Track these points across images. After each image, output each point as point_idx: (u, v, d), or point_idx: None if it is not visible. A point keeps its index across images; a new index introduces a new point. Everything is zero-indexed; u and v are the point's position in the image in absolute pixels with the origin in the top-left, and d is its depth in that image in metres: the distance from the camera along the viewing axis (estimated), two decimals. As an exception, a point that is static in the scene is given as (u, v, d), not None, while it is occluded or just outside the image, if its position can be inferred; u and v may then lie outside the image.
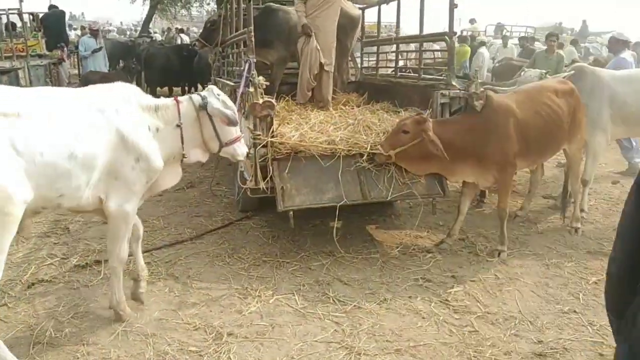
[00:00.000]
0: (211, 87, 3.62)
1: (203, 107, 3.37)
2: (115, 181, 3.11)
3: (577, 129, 4.91)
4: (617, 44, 7.29)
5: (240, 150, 3.64)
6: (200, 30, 8.34)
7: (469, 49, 12.63)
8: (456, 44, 12.52)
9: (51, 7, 13.51)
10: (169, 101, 3.39)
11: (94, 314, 3.56)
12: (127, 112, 3.13)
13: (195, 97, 3.42)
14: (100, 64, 11.84)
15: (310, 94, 5.85)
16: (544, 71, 5.56)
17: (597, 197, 6.31)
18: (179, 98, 3.43)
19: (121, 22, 37.22)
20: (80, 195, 2.97)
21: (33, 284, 3.96)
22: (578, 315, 3.65)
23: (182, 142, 3.35)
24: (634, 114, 5.17)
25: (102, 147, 2.97)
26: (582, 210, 5.38)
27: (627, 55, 7.08)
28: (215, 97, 3.43)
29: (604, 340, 3.34)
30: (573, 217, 5.20)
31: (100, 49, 11.81)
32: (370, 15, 7.32)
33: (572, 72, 5.28)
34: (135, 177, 3.15)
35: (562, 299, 3.88)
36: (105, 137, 3.00)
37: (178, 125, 3.33)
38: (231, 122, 3.42)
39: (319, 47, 5.63)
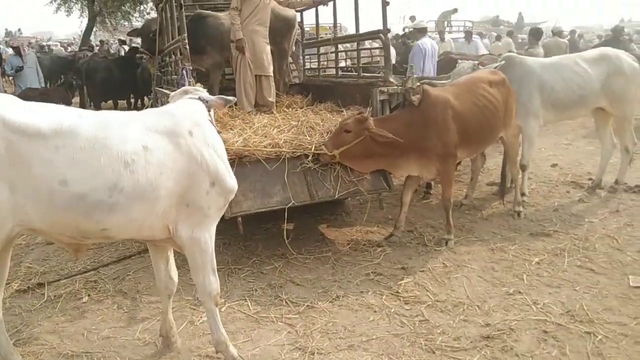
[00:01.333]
0: (190, 87, 3.38)
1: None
2: (186, 208, 2.77)
3: (510, 117, 5.10)
4: (416, 32, 8.43)
5: None
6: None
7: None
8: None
9: (-25, 24, 12.94)
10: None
11: (37, 339, 3.42)
12: (201, 133, 2.80)
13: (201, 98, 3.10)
14: (30, 81, 11.27)
15: (253, 103, 5.82)
16: (476, 62, 5.74)
17: (537, 180, 6.56)
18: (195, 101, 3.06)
19: (50, 38, 35.77)
20: (137, 226, 2.66)
21: (-29, 314, 3.77)
22: (523, 296, 3.79)
23: None
24: (562, 99, 5.41)
25: (167, 176, 2.63)
26: (523, 194, 5.58)
27: (424, 40, 7.93)
28: (202, 91, 3.20)
29: (547, 318, 3.49)
30: (515, 202, 5.39)
31: (22, 67, 11.25)
32: (311, 17, 7.37)
33: (503, 62, 5.48)
34: (210, 201, 2.81)
35: (508, 282, 4.02)
36: (173, 164, 2.66)
37: (220, 132, 3.11)
38: (228, 102, 3.16)
39: (250, 63, 5.64)
